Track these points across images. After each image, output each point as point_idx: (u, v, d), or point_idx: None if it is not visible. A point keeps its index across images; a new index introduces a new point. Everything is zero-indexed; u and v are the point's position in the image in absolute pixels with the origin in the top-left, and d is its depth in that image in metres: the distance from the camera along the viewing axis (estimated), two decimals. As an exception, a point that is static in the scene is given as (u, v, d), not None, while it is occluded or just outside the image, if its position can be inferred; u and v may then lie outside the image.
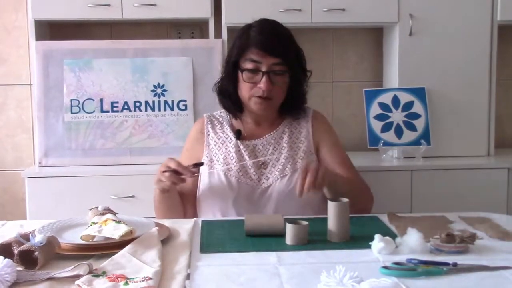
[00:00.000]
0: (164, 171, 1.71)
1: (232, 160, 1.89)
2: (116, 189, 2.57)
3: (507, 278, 1.23)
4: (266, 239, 1.53)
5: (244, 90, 1.87)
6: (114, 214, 1.60)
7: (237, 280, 1.23)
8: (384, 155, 2.86)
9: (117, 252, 1.36)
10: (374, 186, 1.96)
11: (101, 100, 2.78)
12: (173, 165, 1.71)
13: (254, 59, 1.83)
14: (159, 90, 2.80)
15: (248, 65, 1.84)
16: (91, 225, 1.52)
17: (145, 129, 2.79)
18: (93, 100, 2.77)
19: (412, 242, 1.41)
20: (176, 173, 1.72)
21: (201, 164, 1.80)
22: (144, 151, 2.78)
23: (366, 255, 1.39)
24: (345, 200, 1.52)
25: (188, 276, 1.26)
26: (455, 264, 1.29)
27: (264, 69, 1.83)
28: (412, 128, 2.85)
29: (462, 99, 2.84)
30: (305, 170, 1.66)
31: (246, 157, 1.88)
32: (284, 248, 1.45)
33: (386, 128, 2.86)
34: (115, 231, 1.46)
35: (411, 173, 2.71)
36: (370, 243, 1.42)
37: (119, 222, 1.51)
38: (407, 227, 1.48)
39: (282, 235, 1.51)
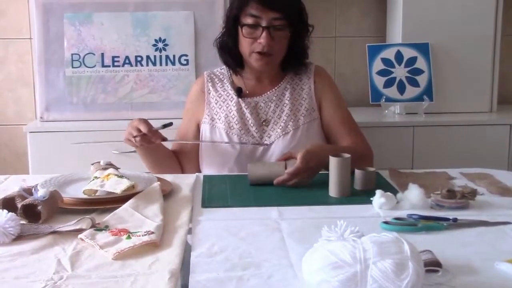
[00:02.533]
0: (135, 136, 1.71)
1: (233, 118, 1.88)
2: (117, 144, 2.57)
3: (507, 233, 1.24)
4: (268, 193, 1.54)
5: (244, 45, 1.84)
6: (116, 168, 1.60)
7: (238, 234, 1.24)
8: (386, 111, 2.84)
9: (119, 207, 1.36)
10: (376, 142, 1.95)
11: (102, 55, 2.75)
12: (143, 129, 1.70)
13: (254, 13, 1.79)
14: (160, 45, 2.77)
15: (248, 20, 1.80)
16: (93, 179, 1.52)
17: (147, 83, 2.77)
18: (94, 54, 2.74)
19: (413, 197, 1.41)
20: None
21: (170, 124, 1.79)
22: (146, 106, 2.76)
23: (367, 210, 1.40)
24: (347, 155, 1.52)
25: (189, 231, 1.27)
26: (455, 220, 1.29)
27: (264, 24, 1.79)
28: (414, 84, 2.82)
29: (466, 55, 2.81)
30: (285, 156, 1.68)
31: (248, 115, 1.87)
32: (286, 203, 1.46)
33: (388, 84, 2.84)
34: (117, 186, 1.46)
35: (413, 129, 2.70)
36: (371, 199, 1.42)
37: (121, 176, 1.52)
38: (408, 183, 1.48)
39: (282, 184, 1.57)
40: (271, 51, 1.82)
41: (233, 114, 1.88)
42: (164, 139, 1.77)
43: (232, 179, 1.70)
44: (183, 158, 1.93)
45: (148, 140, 1.74)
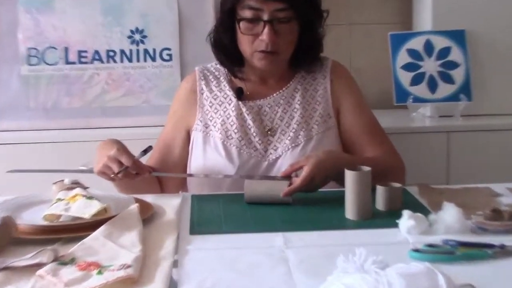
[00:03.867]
0: (118, 173, 1.66)
1: (232, 125, 1.88)
2: (86, 157, 2.56)
3: None
4: (271, 216, 1.54)
5: (244, 43, 1.84)
6: (84, 188, 1.60)
7: (236, 267, 1.23)
8: (414, 114, 2.85)
9: (89, 235, 1.36)
10: (402, 152, 1.95)
11: (66, 49, 2.76)
12: (126, 162, 1.65)
13: (253, 5, 1.79)
14: (137, 36, 2.78)
15: (246, 13, 1.80)
16: (56, 202, 1.52)
17: (121, 84, 2.78)
18: (56, 49, 2.75)
19: (449, 219, 1.41)
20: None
21: (149, 148, 1.79)
22: (120, 111, 2.77)
23: (392, 235, 1.40)
24: (366, 169, 1.52)
25: (175, 263, 1.27)
26: (502, 246, 1.29)
27: (265, 17, 1.79)
28: (448, 80, 2.83)
29: (510, 43, 2.82)
30: (293, 169, 1.68)
31: (250, 122, 1.87)
32: (293, 227, 1.46)
33: (416, 81, 2.85)
34: (85, 209, 1.46)
35: (447, 135, 2.70)
36: (397, 221, 1.42)
37: (90, 198, 1.52)
38: (442, 201, 1.48)
39: (287, 203, 1.59)
40: (277, 48, 1.82)
41: (232, 121, 1.88)
42: (152, 171, 1.77)
43: (227, 199, 1.70)
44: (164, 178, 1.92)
45: (133, 175, 1.71)
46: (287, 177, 1.67)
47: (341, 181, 1.58)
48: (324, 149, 1.80)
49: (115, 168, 1.66)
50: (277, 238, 1.39)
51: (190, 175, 1.89)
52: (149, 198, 1.67)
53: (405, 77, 2.85)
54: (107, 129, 2.73)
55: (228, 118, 1.89)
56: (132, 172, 1.69)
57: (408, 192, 1.71)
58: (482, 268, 1.22)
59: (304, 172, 1.63)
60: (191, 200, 1.69)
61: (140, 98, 2.79)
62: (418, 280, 0.92)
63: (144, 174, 1.72)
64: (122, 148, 1.69)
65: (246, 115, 1.89)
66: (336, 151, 1.84)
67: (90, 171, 1.73)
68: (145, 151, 1.76)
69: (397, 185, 1.58)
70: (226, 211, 1.60)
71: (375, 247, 1.26)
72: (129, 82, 2.79)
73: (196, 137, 1.90)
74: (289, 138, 1.86)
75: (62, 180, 1.63)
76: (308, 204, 1.63)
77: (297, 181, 1.63)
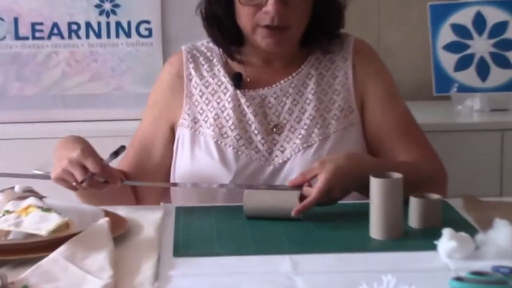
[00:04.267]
0: (81, 182, 1.67)
1: (227, 120, 1.88)
2: (42, 158, 2.58)
3: None
4: (276, 234, 1.56)
5: (244, 17, 1.85)
6: (40, 198, 1.61)
7: (231, 298, 1.25)
8: (459, 107, 2.86)
9: (46, 256, 1.37)
10: (444, 154, 1.96)
11: (15, 20, 2.76)
12: (92, 168, 1.66)
13: None
14: (107, 5, 2.79)
15: None
16: (3, 215, 1.53)
17: (87, 66, 2.79)
18: (3, 20, 2.75)
19: (502, 240, 1.42)
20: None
21: (122, 149, 1.78)
22: (85, 100, 2.78)
23: (429, 259, 1.41)
24: (397, 176, 1.53)
25: (155, 292, 1.29)
26: None
27: (270, -17, 1.81)
28: (504, 64, 2.84)
29: None
30: (305, 178, 1.69)
31: (250, 116, 1.88)
32: (303, 249, 1.47)
33: (463, 65, 2.85)
34: (41, 224, 1.47)
35: (501, 134, 2.71)
36: (435, 242, 1.43)
37: (47, 210, 1.53)
38: (493, 218, 1.49)
39: (296, 219, 1.59)
40: (285, 23, 1.83)
41: (227, 114, 1.89)
42: (124, 179, 1.78)
43: (221, 212, 1.71)
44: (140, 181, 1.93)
45: (100, 184, 1.71)
46: (297, 186, 1.68)
47: (365, 191, 1.60)
48: (343, 151, 1.80)
49: (78, 175, 1.66)
50: (283, 262, 1.40)
51: (174, 184, 1.90)
52: (122, 210, 1.68)
53: (449, 60, 2.86)
54: (68, 123, 2.74)
55: (222, 112, 1.90)
56: (99, 180, 1.70)
57: (449, 206, 1.72)
58: (542, 301, 1.23)
59: (319, 182, 1.63)
60: (175, 214, 1.70)
61: (110, 83, 2.80)
62: (460, 316, 0.94)
63: (115, 183, 1.72)
64: (87, 149, 1.69)
65: (245, 107, 1.89)
66: (360, 154, 1.84)
67: (47, 176, 1.74)
68: (116, 153, 1.75)
69: (436, 196, 1.59)
70: (220, 228, 1.61)
71: (406, 274, 1.27)
72: (97, 64, 2.80)
73: (182, 135, 1.91)
74: (299, 137, 1.87)
75: (12, 188, 1.64)
76: (323, 220, 1.64)
77: (311, 194, 1.63)
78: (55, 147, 1.74)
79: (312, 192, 1.63)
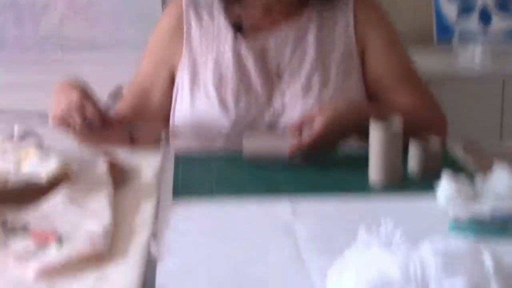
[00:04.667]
0: (80, 126, 1.65)
1: (227, 66, 1.88)
2: (40, 103, 2.58)
3: None
4: (275, 177, 1.56)
5: None
6: (40, 141, 1.60)
7: (229, 242, 1.25)
8: (461, 54, 2.85)
9: (46, 200, 1.37)
10: (444, 103, 1.95)
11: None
12: (91, 113, 1.65)
13: None
14: None
15: None
16: (3, 158, 1.53)
17: (85, 11, 2.77)
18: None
19: (500, 185, 1.42)
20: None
21: (120, 89, 1.77)
22: (84, 46, 2.77)
23: (428, 204, 1.41)
24: (397, 119, 1.52)
25: (154, 235, 1.29)
26: None
27: None
28: (507, 9, 2.82)
29: None
30: (304, 121, 1.68)
31: (251, 62, 1.87)
32: (303, 192, 1.48)
33: (464, 11, 2.83)
34: (41, 168, 1.47)
35: (502, 83, 2.70)
36: (435, 187, 1.44)
37: (47, 153, 1.53)
38: (492, 163, 1.49)
39: (297, 164, 1.60)
40: None
41: (227, 60, 1.88)
42: (121, 122, 1.77)
43: (220, 157, 1.72)
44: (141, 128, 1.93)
45: (99, 129, 1.70)
46: (297, 131, 1.68)
47: (365, 138, 1.60)
48: (343, 97, 1.81)
49: (77, 119, 1.66)
50: (282, 206, 1.41)
51: (173, 130, 1.90)
52: (121, 155, 1.67)
53: (450, 6, 2.84)
54: (67, 68, 2.73)
55: (222, 57, 1.89)
56: (98, 125, 1.70)
57: (449, 151, 1.72)
58: (540, 246, 1.24)
59: (315, 126, 1.64)
60: (174, 157, 1.71)
61: (109, 29, 2.79)
62: (458, 260, 0.94)
63: (113, 127, 1.72)
64: (86, 92, 1.69)
65: (246, 53, 1.88)
66: (360, 102, 1.84)
67: (45, 116, 1.73)
68: (115, 95, 1.75)
69: (436, 141, 1.59)
70: (219, 172, 1.61)
71: (406, 218, 1.27)
72: (95, 8, 2.78)
73: (182, 80, 1.90)
74: (299, 82, 1.86)
75: (12, 130, 1.63)
76: (323, 165, 1.65)
77: (306, 138, 1.64)
78: (53, 89, 1.73)
79: (309, 134, 1.63)
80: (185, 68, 1.90)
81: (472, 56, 2.86)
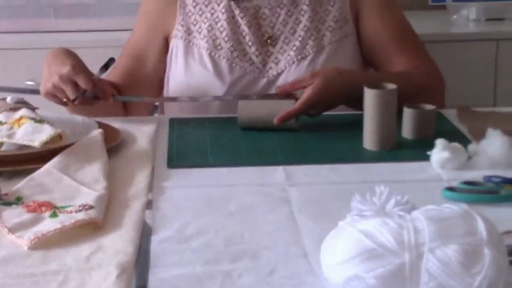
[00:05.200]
0: (74, 100, 1.64)
1: (221, 32, 1.86)
2: (35, 70, 2.57)
3: None
4: (270, 145, 1.56)
5: None
6: (33, 109, 1.60)
7: (225, 209, 1.25)
8: (454, 16, 2.83)
9: (39, 168, 1.37)
10: (438, 64, 1.95)
11: None
12: (84, 84, 1.63)
13: None
14: None
15: None
16: (-3, 126, 1.53)
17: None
18: None
19: (494, 150, 1.42)
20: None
21: (111, 61, 1.74)
22: (77, 10, 2.75)
23: (421, 170, 1.42)
24: (391, 86, 1.52)
25: (149, 204, 1.29)
26: (558, 184, 1.31)
27: None
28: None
29: None
30: (294, 87, 1.68)
31: (244, 27, 1.86)
32: (297, 159, 1.48)
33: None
34: (34, 136, 1.47)
35: (496, 44, 2.70)
36: (428, 153, 1.44)
37: (40, 121, 1.52)
38: (486, 129, 1.49)
39: (291, 130, 1.61)
40: None
41: (221, 26, 1.87)
42: (115, 94, 1.76)
43: (215, 124, 1.72)
44: (131, 94, 1.91)
45: (91, 100, 1.69)
46: (292, 96, 1.68)
47: (355, 105, 1.60)
48: (338, 64, 1.80)
49: (70, 92, 1.64)
50: (277, 173, 1.41)
51: (169, 99, 1.89)
52: (115, 122, 1.67)
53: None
54: (61, 33, 2.72)
55: (216, 23, 1.88)
56: (90, 97, 1.68)
57: (443, 117, 1.72)
58: (533, 211, 1.24)
59: (306, 95, 1.63)
60: (169, 125, 1.71)
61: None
62: (451, 226, 0.94)
63: (107, 99, 1.71)
64: (78, 64, 1.67)
65: (239, 18, 1.87)
66: (351, 69, 1.83)
67: (36, 91, 1.72)
68: (105, 67, 1.72)
69: (430, 107, 1.59)
70: (214, 139, 1.61)
71: (399, 184, 1.28)
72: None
73: (176, 46, 1.90)
74: (294, 48, 1.86)
75: (4, 99, 1.63)
76: (317, 131, 1.65)
77: (297, 103, 1.64)
78: (45, 60, 1.71)
79: (298, 102, 1.64)
80: (179, 35, 1.89)
81: (466, 18, 2.85)
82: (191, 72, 1.86)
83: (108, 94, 1.71)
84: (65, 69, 1.64)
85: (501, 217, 1.11)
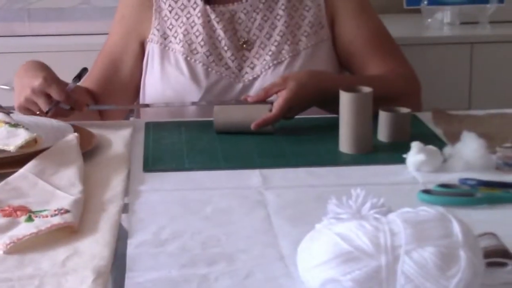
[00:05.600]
0: (47, 112, 1.63)
1: (197, 36, 1.87)
2: (8, 74, 2.55)
3: None
4: (246, 149, 1.57)
5: None
6: (7, 113, 1.59)
7: (201, 212, 1.26)
8: (429, 20, 2.85)
9: (14, 172, 1.37)
10: (414, 68, 1.96)
11: None
12: (56, 95, 1.62)
13: None
14: None
15: None
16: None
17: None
18: None
19: (469, 153, 1.43)
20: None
21: (84, 71, 1.74)
22: (51, 14, 2.73)
23: (397, 173, 1.42)
24: (366, 90, 1.53)
25: (125, 208, 1.29)
26: (532, 186, 1.32)
27: None
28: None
29: None
30: (268, 94, 1.68)
31: (220, 32, 1.86)
32: (273, 163, 1.48)
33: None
34: (9, 140, 1.46)
35: (470, 47, 2.71)
36: (404, 156, 1.44)
37: (15, 125, 1.51)
38: (461, 131, 1.50)
39: (267, 133, 1.61)
40: None
41: (197, 30, 1.87)
42: (90, 103, 1.76)
43: (191, 127, 1.71)
44: (107, 100, 1.91)
45: (66, 111, 1.68)
46: (267, 101, 1.68)
47: (328, 107, 1.61)
48: (308, 68, 1.81)
49: (42, 105, 1.63)
50: (253, 177, 1.41)
51: (144, 105, 1.89)
52: (91, 126, 1.67)
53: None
54: (34, 37, 2.71)
55: (192, 27, 1.88)
56: (65, 108, 1.67)
57: (418, 120, 1.73)
58: (508, 213, 1.25)
59: (281, 100, 1.63)
60: (145, 129, 1.70)
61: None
62: (427, 229, 0.94)
63: (81, 110, 1.70)
64: (49, 76, 1.66)
65: (215, 23, 1.87)
66: (323, 71, 1.82)
67: (8, 111, 1.70)
68: (79, 77, 1.71)
69: (405, 110, 1.59)
70: (190, 143, 1.61)
71: (375, 187, 1.28)
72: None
73: (152, 50, 1.89)
74: (270, 53, 1.86)
75: (-21, 103, 1.62)
76: (293, 134, 1.65)
77: (272, 111, 1.63)
78: (15, 75, 1.70)
79: (273, 109, 1.64)
80: (155, 39, 1.89)
81: (440, 22, 2.86)
82: (167, 76, 1.86)
83: (82, 104, 1.70)
84: (37, 81, 1.62)
85: (476, 219, 1.13)
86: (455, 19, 2.84)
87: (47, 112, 1.64)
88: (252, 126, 1.62)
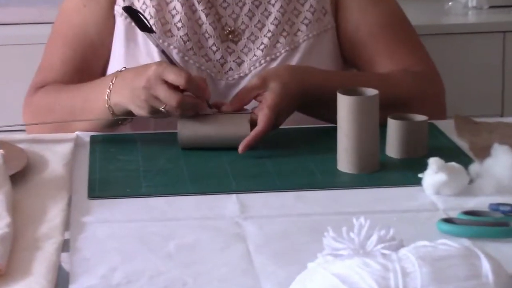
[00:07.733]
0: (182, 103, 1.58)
1: (174, 15, 1.87)
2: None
3: None
4: (220, 168, 1.57)
5: None
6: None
7: (162, 249, 1.26)
8: (450, 3, 2.87)
9: None
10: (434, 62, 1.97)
11: None
12: (174, 79, 1.58)
13: None
14: None
15: None
16: None
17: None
18: None
19: (501, 171, 1.44)
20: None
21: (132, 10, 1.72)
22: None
23: (411, 197, 1.43)
24: (371, 92, 1.54)
25: (66, 245, 1.29)
26: None
27: None
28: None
29: None
30: (244, 101, 1.68)
31: (203, 20, 1.87)
32: (253, 186, 1.49)
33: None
34: None
35: (503, 37, 2.73)
36: (420, 175, 1.45)
37: None
38: (492, 144, 1.51)
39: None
40: None
41: (174, 8, 1.88)
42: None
43: (149, 141, 1.73)
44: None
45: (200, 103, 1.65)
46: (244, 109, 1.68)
47: (312, 112, 1.65)
48: (313, 65, 1.81)
49: (164, 93, 1.59)
50: (228, 203, 1.42)
51: None
52: (20, 140, 1.68)
53: None
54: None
55: (168, 3, 1.88)
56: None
57: (438, 130, 1.74)
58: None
59: (265, 107, 1.63)
60: (90, 144, 1.71)
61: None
62: (449, 267, 0.95)
63: (209, 96, 1.66)
64: (168, 64, 1.64)
65: (199, 9, 1.88)
66: (307, 66, 1.83)
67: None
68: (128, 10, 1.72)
69: (421, 117, 1.60)
70: (148, 162, 1.62)
71: (383, 215, 1.30)
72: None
73: (117, 25, 1.90)
74: (261, 47, 1.87)
75: None
76: (278, 149, 1.67)
77: (259, 124, 1.62)
78: (113, 90, 1.70)
79: (260, 120, 1.62)
80: (120, 10, 1.88)
81: (465, 5, 2.88)
82: (134, 60, 1.85)
83: (205, 90, 1.66)
84: (150, 70, 1.61)
85: (510, 255, 1.13)
86: (483, 2, 2.86)
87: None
88: (240, 150, 1.60)
